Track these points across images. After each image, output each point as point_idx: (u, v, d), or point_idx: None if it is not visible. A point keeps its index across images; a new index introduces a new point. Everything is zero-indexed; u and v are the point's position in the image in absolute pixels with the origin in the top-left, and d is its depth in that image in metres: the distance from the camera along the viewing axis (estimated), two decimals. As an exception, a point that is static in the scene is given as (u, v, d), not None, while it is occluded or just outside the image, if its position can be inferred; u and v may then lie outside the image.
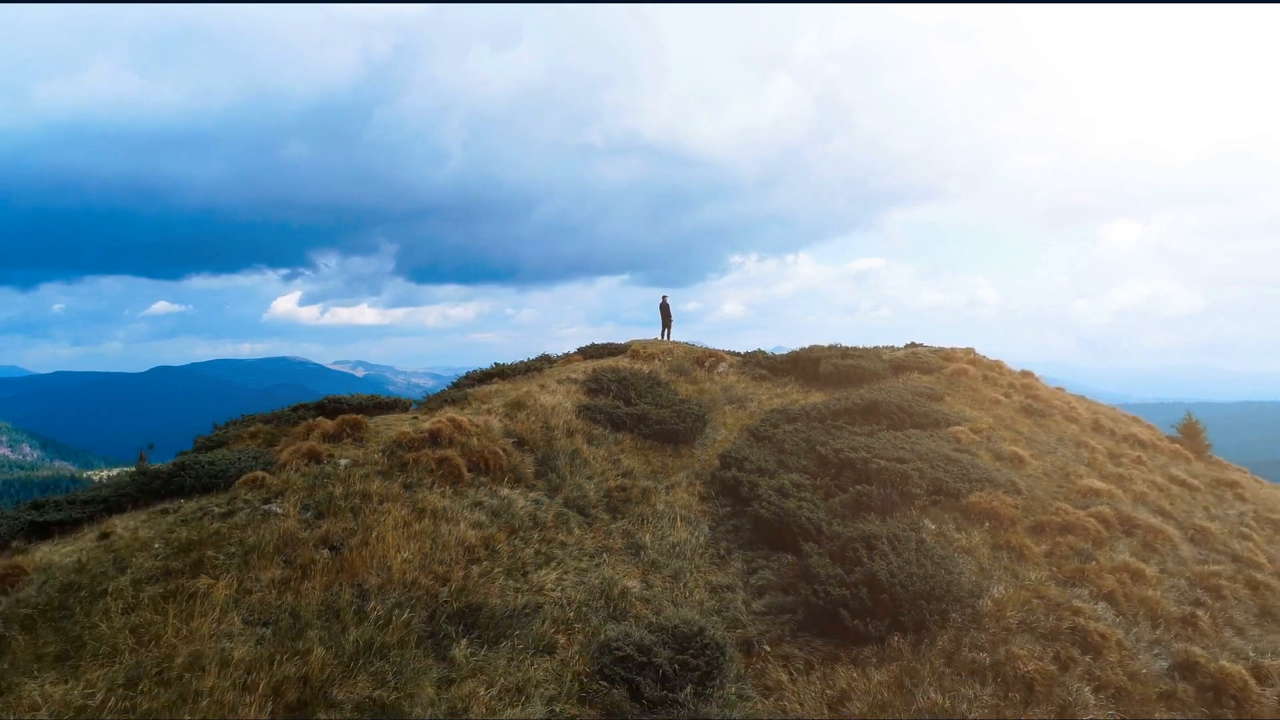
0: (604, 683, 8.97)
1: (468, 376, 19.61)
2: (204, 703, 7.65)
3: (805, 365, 20.09)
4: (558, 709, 8.68)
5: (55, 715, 7.18)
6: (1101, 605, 9.47)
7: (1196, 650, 8.78)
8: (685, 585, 11.00)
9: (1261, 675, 8.60)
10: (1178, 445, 18.56)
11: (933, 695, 8.16)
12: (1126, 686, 8.20)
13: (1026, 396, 18.71)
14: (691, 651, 9.33)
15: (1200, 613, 9.66)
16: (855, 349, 20.97)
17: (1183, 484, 14.78)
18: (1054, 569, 10.24)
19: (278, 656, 8.40)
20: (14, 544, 11.17)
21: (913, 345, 24.69)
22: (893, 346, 24.17)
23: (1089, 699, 7.94)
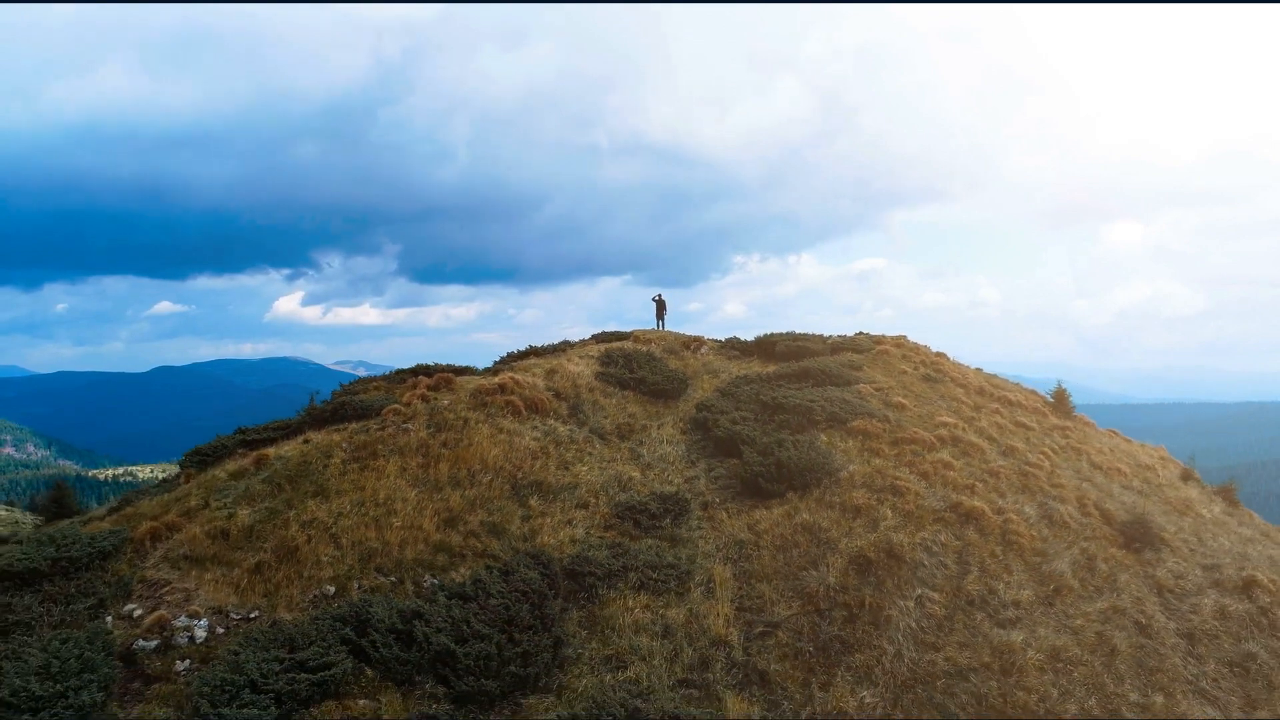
0: (618, 520, 15.29)
1: (510, 354, 25.91)
2: (400, 515, 13.99)
3: (766, 346, 26.38)
4: (592, 531, 14.99)
5: (332, 513, 13.52)
6: (916, 477, 15.77)
7: (964, 499, 15.07)
8: (668, 476, 17.32)
9: (997, 510, 14.90)
10: (1042, 405, 24.81)
11: (805, 516, 14.48)
12: (914, 511, 14.51)
13: (931, 369, 24.96)
14: (670, 504, 15.67)
15: (979, 484, 15.95)
16: (805, 334, 27.25)
17: (1022, 425, 21.05)
18: (895, 460, 16.54)
19: (431, 499, 14.73)
20: (238, 451, 17.57)
21: (860, 334, 30.92)
22: (843, 335, 30.41)
23: (889, 515, 14.24)
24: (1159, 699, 11.05)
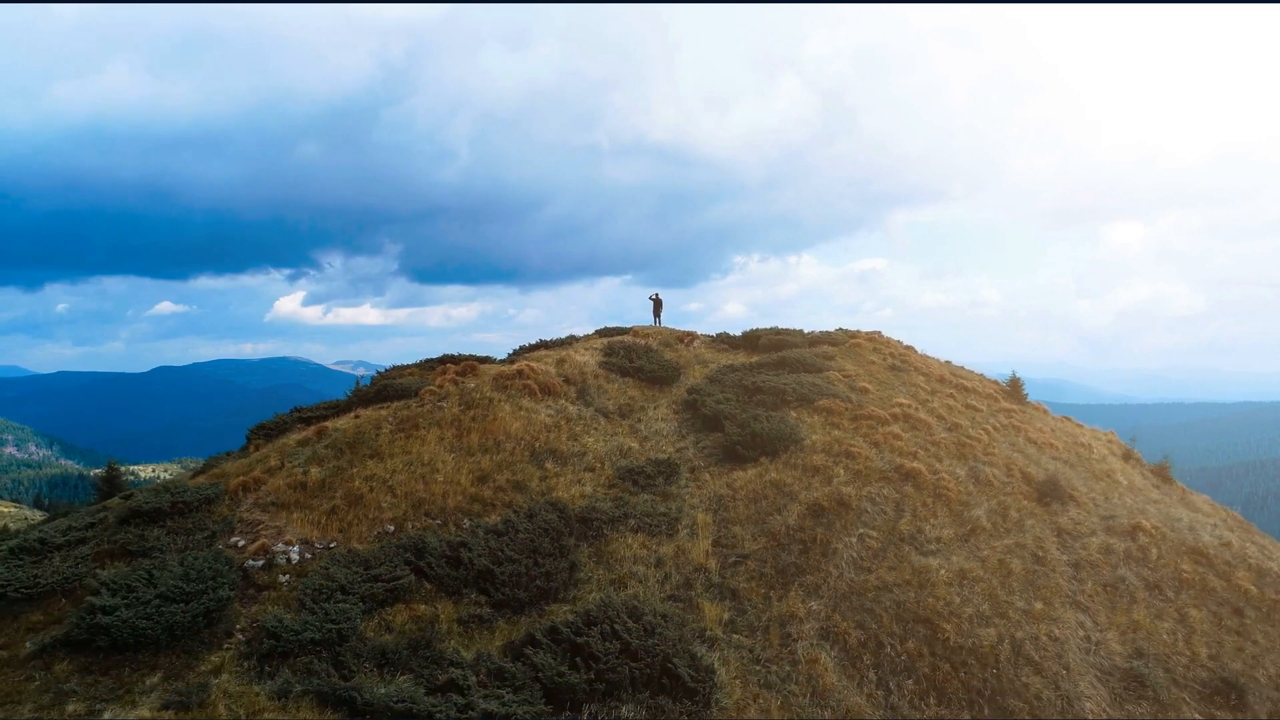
0: (619, 480, 18.43)
1: (522, 347, 29.06)
2: (442, 473, 17.11)
3: (752, 340, 29.51)
4: (598, 489, 18.12)
5: (387, 471, 16.67)
6: (868, 445, 18.91)
7: (907, 461, 18.20)
8: (662, 446, 20.46)
9: (933, 471, 18.04)
10: (996, 392, 27.92)
11: (773, 475, 17.62)
12: (864, 471, 17.64)
13: (898, 360, 28.07)
14: (663, 468, 18.82)
15: (921, 452, 19.08)
16: (787, 329, 30.37)
17: (971, 407, 24.18)
18: (852, 432, 19.68)
19: (466, 461, 17.87)
20: (297, 426, 20.69)
21: (839, 329, 34.03)
22: (826, 330, 33.53)
23: (841, 473, 17.38)
24: (1039, 605, 14.18)
